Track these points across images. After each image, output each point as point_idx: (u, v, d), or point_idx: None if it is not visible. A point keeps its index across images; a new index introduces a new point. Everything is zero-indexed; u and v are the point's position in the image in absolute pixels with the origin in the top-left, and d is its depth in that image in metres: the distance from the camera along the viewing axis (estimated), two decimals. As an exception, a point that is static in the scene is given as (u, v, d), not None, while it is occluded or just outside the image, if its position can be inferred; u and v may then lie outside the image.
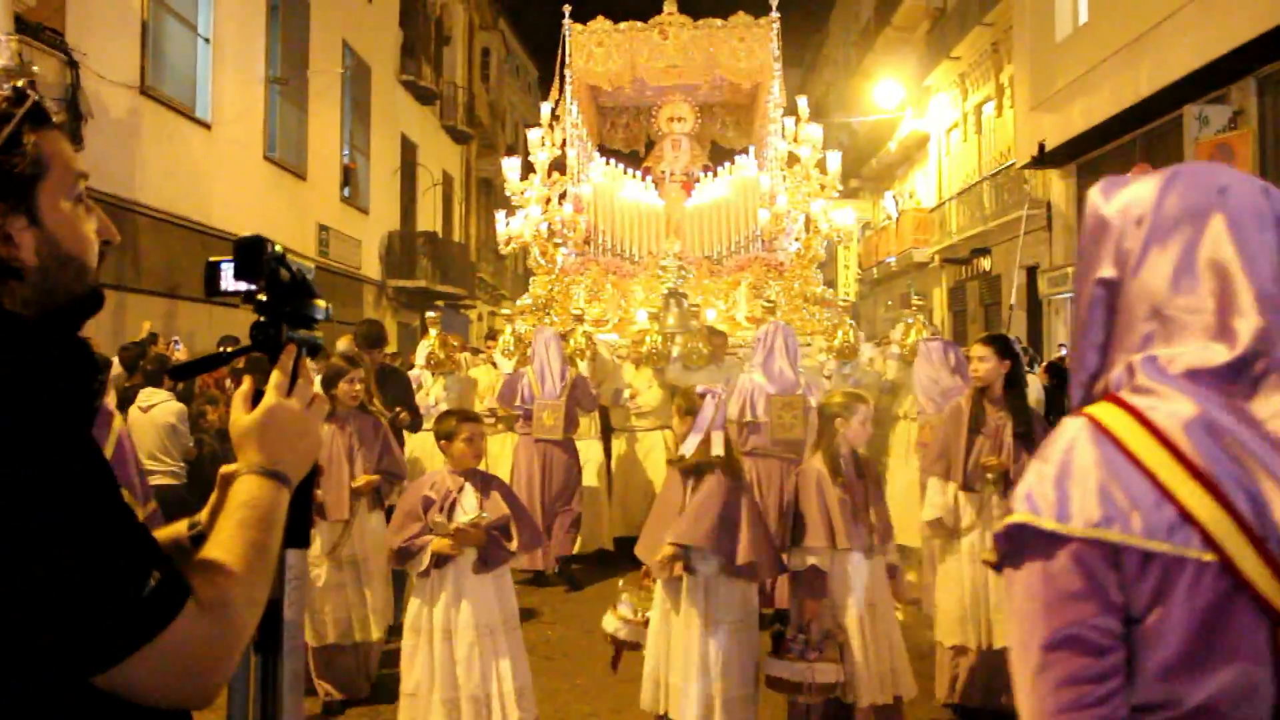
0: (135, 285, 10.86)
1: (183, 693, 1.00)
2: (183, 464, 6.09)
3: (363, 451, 4.68)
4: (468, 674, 3.64)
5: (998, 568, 1.13)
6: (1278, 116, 10.93)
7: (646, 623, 3.84)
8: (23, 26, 9.02)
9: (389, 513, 4.41)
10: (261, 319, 1.32)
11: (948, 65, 21.18)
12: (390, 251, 20.69)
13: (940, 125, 23.20)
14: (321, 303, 1.37)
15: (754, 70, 10.25)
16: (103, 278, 1.16)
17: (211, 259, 1.33)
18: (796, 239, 9.56)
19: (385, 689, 4.62)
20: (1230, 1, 10.39)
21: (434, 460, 7.61)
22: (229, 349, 1.42)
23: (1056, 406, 7.85)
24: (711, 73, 10.29)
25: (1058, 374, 8.30)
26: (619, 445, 7.81)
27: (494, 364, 8.33)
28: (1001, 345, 4.43)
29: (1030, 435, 4.31)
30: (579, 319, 8.11)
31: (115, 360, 7.28)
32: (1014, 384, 4.36)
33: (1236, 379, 1.07)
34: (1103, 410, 1.11)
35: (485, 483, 3.87)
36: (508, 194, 9.67)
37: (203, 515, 1.28)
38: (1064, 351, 11.33)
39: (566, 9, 10.12)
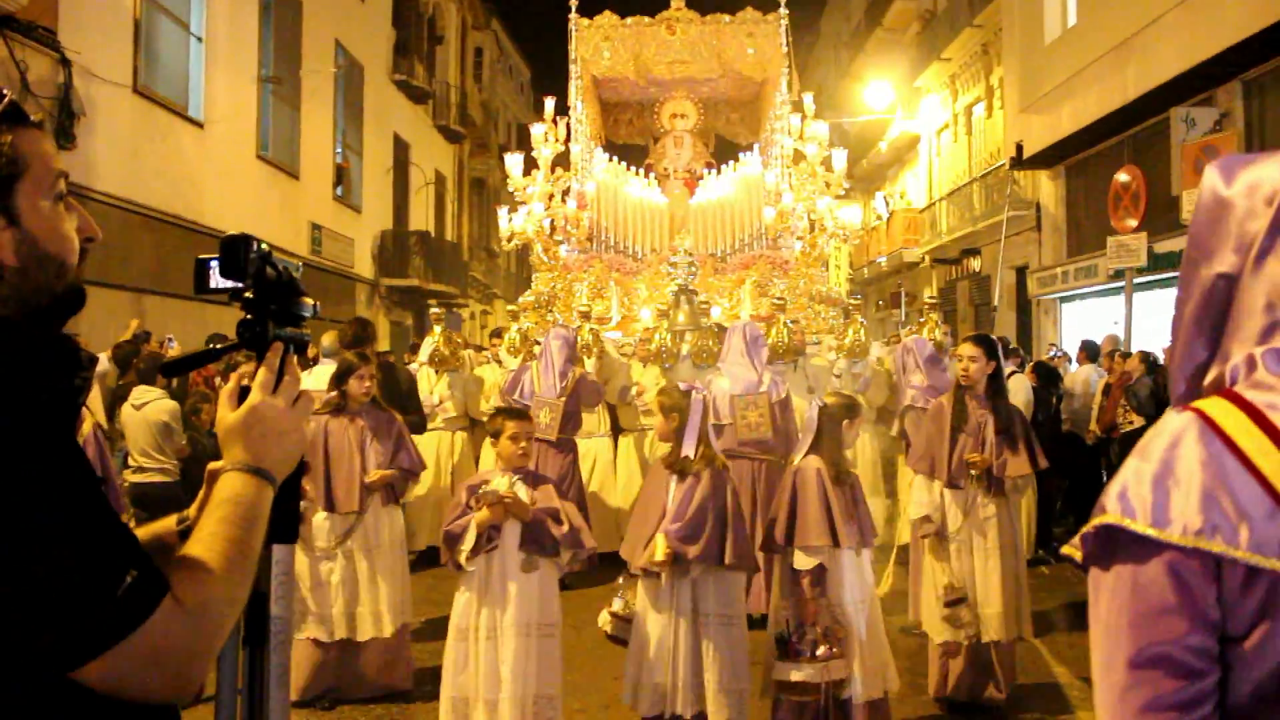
0: (127, 283, 10.83)
1: (159, 688, 1.01)
2: (176, 462, 6.09)
3: (375, 445, 4.66)
4: (512, 676, 3.61)
5: (1083, 567, 1.03)
6: (1264, 119, 11.01)
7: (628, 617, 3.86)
8: (15, 25, 9.00)
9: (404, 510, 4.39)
10: (249, 317, 1.33)
11: (938, 67, 21.24)
12: (383, 250, 20.65)
13: (931, 126, 23.26)
14: (309, 300, 1.38)
15: (762, 65, 10.18)
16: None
17: (201, 256, 1.34)
18: (801, 237, 9.46)
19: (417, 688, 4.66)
20: (1216, 5, 10.47)
21: (438, 462, 7.61)
22: (219, 345, 1.43)
23: (1044, 406, 7.91)
24: (718, 68, 10.21)
25: (1046, 374, 8.34)
26: (626, 444, 7.74)
27: (499, 362, 8.27)
28: (990, 346, 4.51)
29: (1011, 432, 4.38)
30: (585, 316, 7.99)
31: (103, 358, 7.28)
32: (994, 382, 4.46)
33: None
34: (1214, 406, 0.99)
35: (536, 481, 3.84)
36: (510, 189, 9.58)
37: (191, 511, 1.29)
38: (1052, 352, 11.37)
39: (573, 3, 9.99)
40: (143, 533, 1.30)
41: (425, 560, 7.06)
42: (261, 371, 1.30)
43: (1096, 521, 1.00)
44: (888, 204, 25.71)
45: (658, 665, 3.71)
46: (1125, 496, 0.98)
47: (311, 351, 5.54)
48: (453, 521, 3.68)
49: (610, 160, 10.32)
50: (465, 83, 27.03)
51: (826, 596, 3.73)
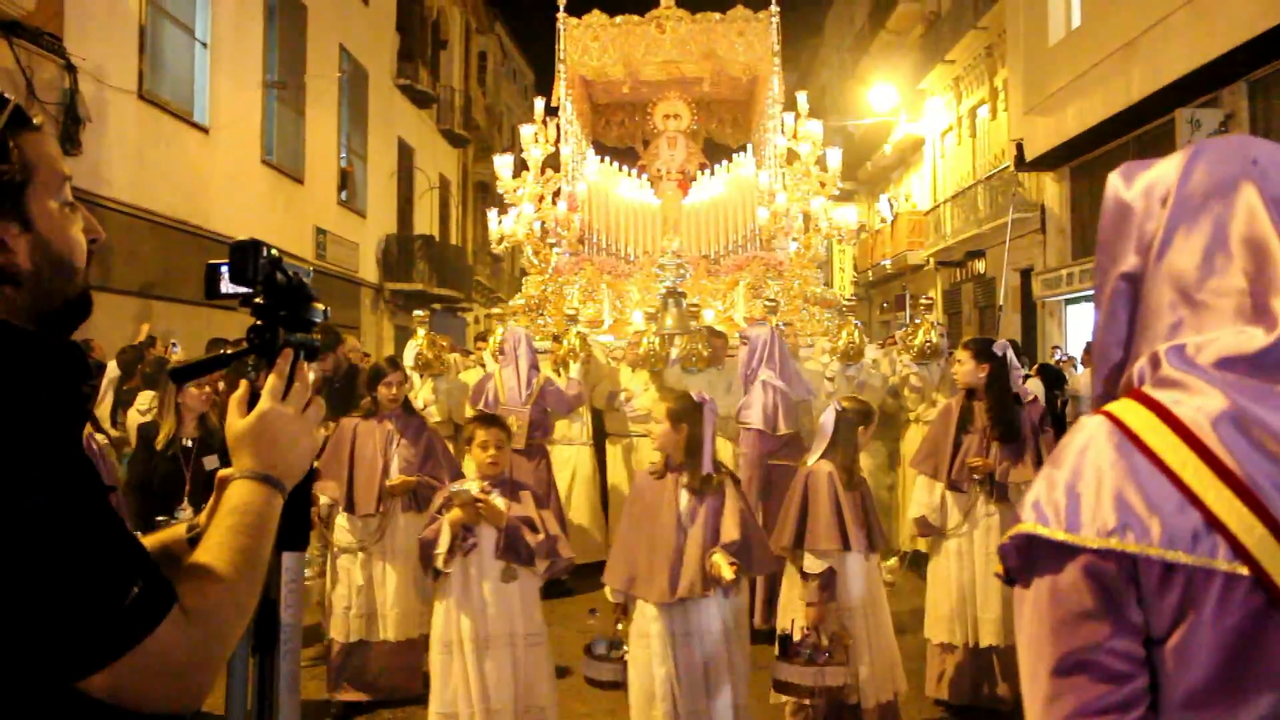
0: (134, 288, 10.86)
1: (167, 698, 1.01)
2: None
3: (401, 451, 4.64)
4: (501, 690, 3.55)
5: (1008, 581, 1.02)
6: (1269, 120, 10.98)
7: (624, 658, 3.61)
8: (21, 31, 9.03)
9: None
10: (259, 322, 1.32)
11: (942, 69, 21.23)
12: (387, 254, 20.69)
13: (935, 128, 23.24)
14: (319, 306, 1.37)
15: (752, 64, 10.05)
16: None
17: (211, 261, 1.32)
18: (795, 238, 9.34)
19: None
20: (1221, 6, 10.45)
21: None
22: (226, 350, 1.41)
23: (1050, 408, 7.88)
24: (709, 67, 10.09)
25: (1049, 376, 8.32)
26: (614, 451, 7.50)
27: (484, 366, 8.13)
28: (979, 349, 4.47)
29: (1011, 437, 4.34)
30: (573, 319, 7.85)
31: (111, 364, 7.28)
32: (995, 385, 4.40)
33: (1277, 366, 0.94)
34: (1122, 407, 0.99)
35: (515, 489, 3.73)
36: (499, 191, 9.45)
37: (200, 519, 1.28)
38: (1057, 355, 11.34)
39: (561, 2, 9.85)
40: (151, 541, 1.29)
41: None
42: (271, 378, 1.28)
43: (1012, 532, 0.99)
44: (892, 206, 25.68)
45: (664, 690, 3.48)
46: (1039, 505, 0.97)
47: None
48: (426, 528, 3.63)
49: (602, 161, 10.15)
50: (469, 87, 27.09)
51: (835, 601, 3.71)
